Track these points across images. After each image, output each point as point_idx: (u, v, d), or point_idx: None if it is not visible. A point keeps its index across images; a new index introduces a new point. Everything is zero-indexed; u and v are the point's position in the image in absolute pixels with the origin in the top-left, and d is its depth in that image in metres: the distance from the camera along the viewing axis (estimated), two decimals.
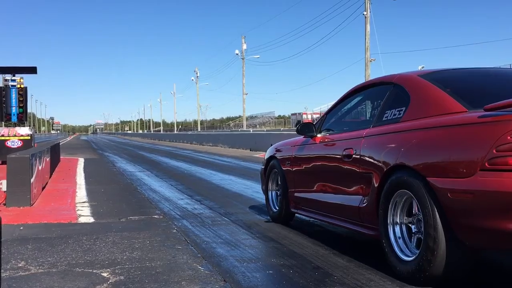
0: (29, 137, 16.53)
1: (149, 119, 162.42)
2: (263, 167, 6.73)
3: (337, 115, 5.59)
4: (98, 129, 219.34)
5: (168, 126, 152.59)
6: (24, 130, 16.72)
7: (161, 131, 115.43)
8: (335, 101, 5.62)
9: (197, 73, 77.66)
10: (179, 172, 14.29)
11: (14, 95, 17.00)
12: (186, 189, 9.92)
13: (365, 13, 32.03)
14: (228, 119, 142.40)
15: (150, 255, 4.66)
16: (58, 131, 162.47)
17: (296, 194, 5.79)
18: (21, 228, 6.00)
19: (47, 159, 11.10)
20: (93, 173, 13.97)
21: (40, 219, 6.53)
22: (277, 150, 6.38)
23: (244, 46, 55.45)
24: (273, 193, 6.48)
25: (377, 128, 4.42)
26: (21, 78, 17.18)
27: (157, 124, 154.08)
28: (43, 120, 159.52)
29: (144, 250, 4.88)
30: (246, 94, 55.78)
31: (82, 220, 6.61)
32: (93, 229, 5.94)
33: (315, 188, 5.37)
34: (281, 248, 4.93)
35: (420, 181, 3.61)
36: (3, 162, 14.78)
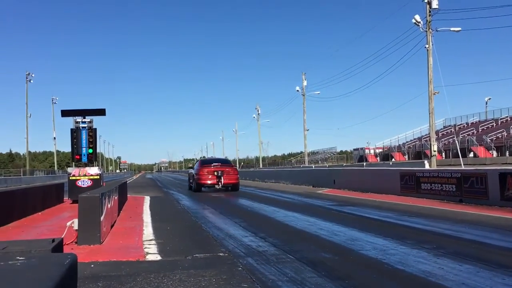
0: (98, 177, 17.12)
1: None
2: (189, 173, 22.88)
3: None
4: (162, 167, 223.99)
5: None
6: (94, 170, 17.33)
7: None
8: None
9: (258, 110, 78.62)
10: (243, 209, 14.37)
11: (84, 136, 17.73)
12: (250, 226, 9.94)
13: (427, 46, 31.61)
14: (290, 155, 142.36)
15: None
16: (125, 170, 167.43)
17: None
18: (92, 265, 6.19)
19: (115, 198, 11.44)
20: (158, 211, 14.27)
21: (110, 257, 6.71)
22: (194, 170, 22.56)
23: (305, 83, 55.72)
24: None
25: None
26: (91, 120, 17.91)
27: None
28: (111, 160, 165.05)
29: None
30: (307, 130, 55.77)
31: (149, 257, 6.74)
32: (160, 267, 6.05)
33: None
34: None
35: None
36: (74, 201, 15.35)
